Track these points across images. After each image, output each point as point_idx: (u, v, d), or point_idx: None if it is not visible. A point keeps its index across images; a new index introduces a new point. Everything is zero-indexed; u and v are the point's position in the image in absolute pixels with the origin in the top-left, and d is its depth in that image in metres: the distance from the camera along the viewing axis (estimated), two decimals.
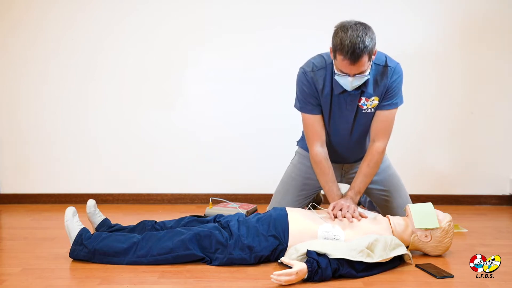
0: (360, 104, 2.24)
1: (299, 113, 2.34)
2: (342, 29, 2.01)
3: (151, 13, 3.15)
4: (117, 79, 3.20)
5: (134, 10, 3.16)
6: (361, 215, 2.16)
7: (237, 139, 3.22)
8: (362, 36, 1.96)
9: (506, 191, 3.22)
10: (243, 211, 2.71)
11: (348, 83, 2.09)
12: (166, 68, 3.19)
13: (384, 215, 2.39)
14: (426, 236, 2.08)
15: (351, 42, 1.96)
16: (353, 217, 2.13)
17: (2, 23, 3.17)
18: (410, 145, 3.20)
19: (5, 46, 3.18)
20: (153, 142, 3.24)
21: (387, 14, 3.12)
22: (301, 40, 3.09)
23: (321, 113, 2.30)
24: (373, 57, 2.09)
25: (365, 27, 2.00)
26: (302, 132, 2.53)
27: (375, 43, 2.04)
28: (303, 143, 2.51)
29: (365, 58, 1.99)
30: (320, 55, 2.26)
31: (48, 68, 3.19)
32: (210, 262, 2.03)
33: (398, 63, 2.23)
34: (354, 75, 2.05)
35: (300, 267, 1.81)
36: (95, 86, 3.21)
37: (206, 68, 3.19)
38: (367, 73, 2.08)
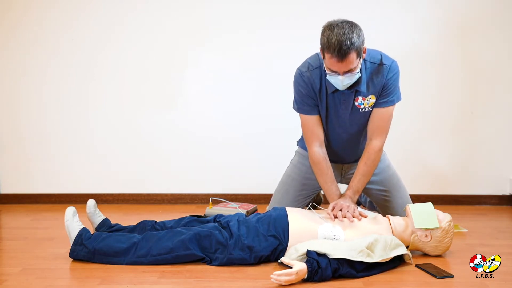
0: (357, 103, 2.24)
1: (298, 113, 2.35)
2: (328, 28, 2.01)
3: (151, 13, 3.15)
4: (117, 79, 3.20)
5: (134, 10, 3.16)
6: (361, 214, 2.16)
7: (237, 139, 3.22)
8: (349, 33, 1.97)
9: (506, 191, 3.21)
10: (243, 211, 2.71)
11: (339, 82, 2.09)
12: (166, 68, 3.19)
13: (384, 215, 2.39)
14: (426, 236, 2.08)
15: (337, 39, 1.96)
16: (353, 216, 2.13)
17: (2, 23, 3.17)
18: (410, 145, 3.20)
19: (5, 46, 3.18)
20: (153, 142, 3.24)
21: (387, 14, 3.12)
22: (301, 40, 3.07)
23: (319, 113, 2.30)
24: (363, 55, 2.09)
25: (351, 25, 2.01)
26: None
27: (363, 40, 2.03)
28: (303, 143, 2.51)
29: (352, 55, 1.99)
30: (317, 54, 2.26)
31: (48, 68, 3.19)
32: (210, 262, 2.03)
33: (394, 61, 2.23)
34: (344, 73, 2.05)
35: (300, 267, 1.81)
36: (95, 86, 3.21)
37: (206, 68, 3.19)
38: (357, 71, 2.08)
